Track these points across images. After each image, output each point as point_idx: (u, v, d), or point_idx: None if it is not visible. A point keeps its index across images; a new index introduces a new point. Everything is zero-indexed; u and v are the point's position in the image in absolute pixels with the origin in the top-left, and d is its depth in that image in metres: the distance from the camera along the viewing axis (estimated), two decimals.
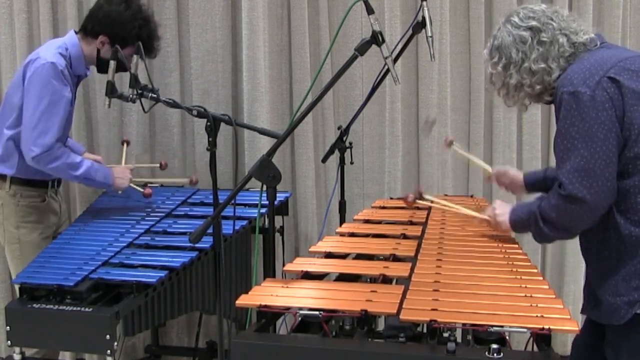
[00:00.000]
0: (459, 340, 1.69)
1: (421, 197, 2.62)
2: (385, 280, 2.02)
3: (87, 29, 2.83)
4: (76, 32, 2.87)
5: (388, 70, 2.13)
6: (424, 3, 2.44)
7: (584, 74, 1.88)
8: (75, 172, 2.77)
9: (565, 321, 1.64)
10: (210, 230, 2.15)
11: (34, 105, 2.69)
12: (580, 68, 1.90)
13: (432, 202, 2.60)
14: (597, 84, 1.85)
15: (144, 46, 2.71)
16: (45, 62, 2.70)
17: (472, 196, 3.22)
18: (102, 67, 2.83)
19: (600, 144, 1.84)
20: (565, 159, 1.88)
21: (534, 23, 1.98)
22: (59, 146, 2.72)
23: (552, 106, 2.08)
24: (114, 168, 2.96)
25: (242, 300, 1.84)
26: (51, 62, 2.70)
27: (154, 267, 2.48)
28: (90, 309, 2.27)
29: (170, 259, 2.53)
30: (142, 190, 3.04)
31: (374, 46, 2.08)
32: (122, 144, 3.31)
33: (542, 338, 1.62)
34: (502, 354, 1.54)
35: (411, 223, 2.63)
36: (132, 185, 3.04)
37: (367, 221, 2.69)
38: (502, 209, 2.20)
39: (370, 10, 2.08)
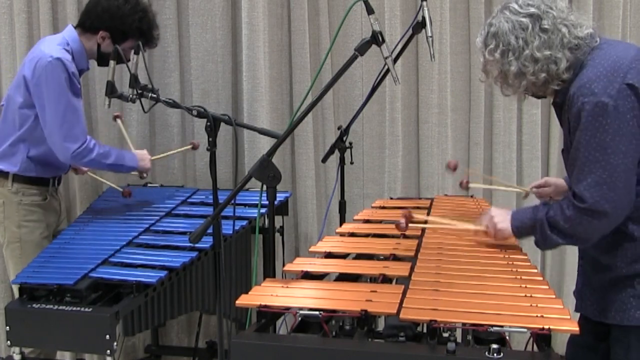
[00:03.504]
0: (459, 340, 1.68)
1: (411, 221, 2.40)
2: (385, 280, 2.02)
3: (86, 25, 2.82)
4: (74, 27, 2.87)
5: (388, 70, 2.14)
6: (424, 3, 2.44)
7: (603, 81, 1.83)
8: (107, 160, 2.80)
9: (565, 321, 1.64)
10: (210, 230, 2.14)
11: (55, 103, 2.67)
12: (596, 74, 1.85)
13: (425, 222, 2.46)
14: (618, 92, 1.81)
15: (144, 37, 2.72)
16: (52, 59, 2.67)
17: (472, 196, 3.21)
18: (103, 61, 2.83)
19: (622, 156, 1.82)
20: (586, 172, 1.85)
21: (533, 10, 1.93)
22: (90, 137, 2.75)
23: (552, 106, 2.07)
24: (137, 152, 2.99)
25: (242, 300, 1.84)
26: (57, 57, 2.69)
27: (154, 267, 2.47)
28: (90, 309, 2.27)
29: (170, 259, 2.53)
30: (121, 189, 3.11)
31: (374, 46, 2.08)
32: (115, 120, 3.25)
33: (542, 338, 1.62)
34: (502, 354, 1.54)
35: (411, 223, 2.62)
36: (111, 184, 3.15)
37: (367, 221, 2.69)
38: (500, 217, 2.11)
39: (370, 10, 2.08)
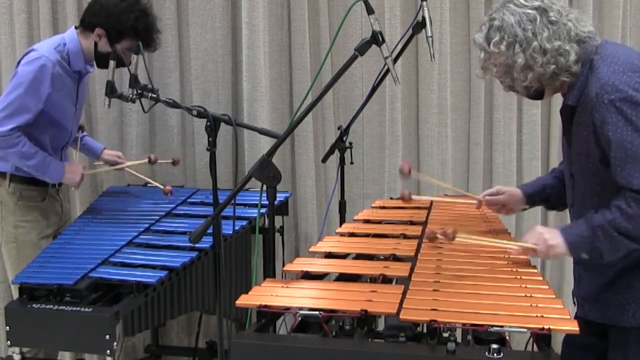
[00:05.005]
0: (459, 340, 1.69)
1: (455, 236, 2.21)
2: (385, 280, 2.02)
3: (85, 22, 2.84)
4: (76, 27, 2.88)
5: (388, 70, 2.13)
6: (424, 3, 2.44)
7: (622, 77, 1.84)
8: (28, 161, 2.74)
9: (565, 321, 1.64)
10: (210, 230, 2.15)
11: (10, 89, 2.70)
12: (613, 71, 1.86)
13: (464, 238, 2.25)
14: None
15: (142, 39, 2.72)
16: (38, 56, 2.71)
17: None
18: (101, 62, 2.83)
19: None
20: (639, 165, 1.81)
21: (538, 3, 1.92)
22: (18, 135, 2.68)
23: (560, 112, 2.05)
24: (67, 164, 2.91)
25: (242, 300, 1.84)
26: (43, 57, 2.71)
27: (154, 267, 2.48)
28: (90, 309, 2.27)
29: (170, 259, 2.53)
30: (162, 187, 3.10)
31: (374, 46, 2.08)
32: (78, 131, 3.12)
33: (542, 338, 1.62)
34: (502, 354, 1.54)
35: (411, 223, 2.62)
36: (151, 182, 3.13)
37: (367, 221, 2.69)
38: (550, 234, 1.96)
39: (370, 10, 2.08)
